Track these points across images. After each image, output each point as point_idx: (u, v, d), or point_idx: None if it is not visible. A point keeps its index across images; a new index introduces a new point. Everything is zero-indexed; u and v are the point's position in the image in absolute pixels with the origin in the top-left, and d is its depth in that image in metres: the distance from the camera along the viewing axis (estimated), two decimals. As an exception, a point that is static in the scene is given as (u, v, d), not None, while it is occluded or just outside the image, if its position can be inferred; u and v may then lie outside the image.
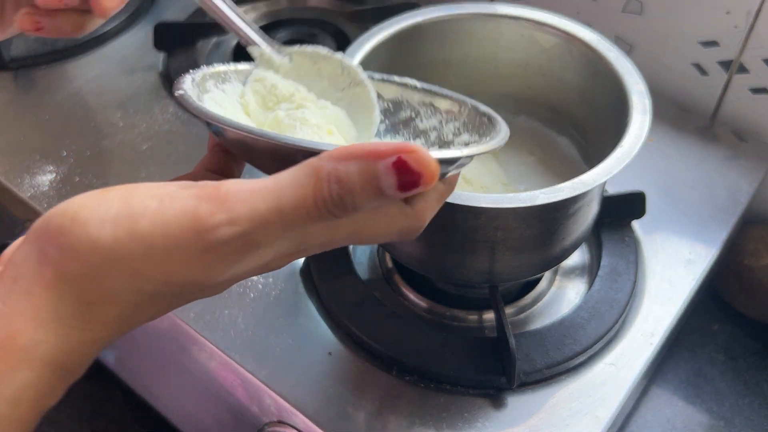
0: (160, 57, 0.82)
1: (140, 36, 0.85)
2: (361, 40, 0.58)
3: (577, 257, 0.65)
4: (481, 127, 0.42)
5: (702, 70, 0.75)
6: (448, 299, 0.61)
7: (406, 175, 0.26)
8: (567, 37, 0.59)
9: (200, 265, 0.27)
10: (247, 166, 0.37)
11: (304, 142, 0.29)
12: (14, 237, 0.73)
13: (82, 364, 0.30)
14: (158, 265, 0.27)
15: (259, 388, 0.55)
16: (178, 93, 0.33)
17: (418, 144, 0.27)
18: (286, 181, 0.27)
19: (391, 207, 0.31)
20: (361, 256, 0.65)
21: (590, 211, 0.55)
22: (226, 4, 0.42)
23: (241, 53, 0.86)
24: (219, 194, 0.27)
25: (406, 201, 0.32)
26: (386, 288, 0.63)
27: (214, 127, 0.32)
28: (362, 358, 0.57)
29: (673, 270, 0.63)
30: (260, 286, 0.61)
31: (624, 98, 0.53)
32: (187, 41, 0.82)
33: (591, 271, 0.64)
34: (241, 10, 0.43)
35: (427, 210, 0.33)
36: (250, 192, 0.27)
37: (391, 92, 0.45)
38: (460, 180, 0.59)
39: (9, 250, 0.30)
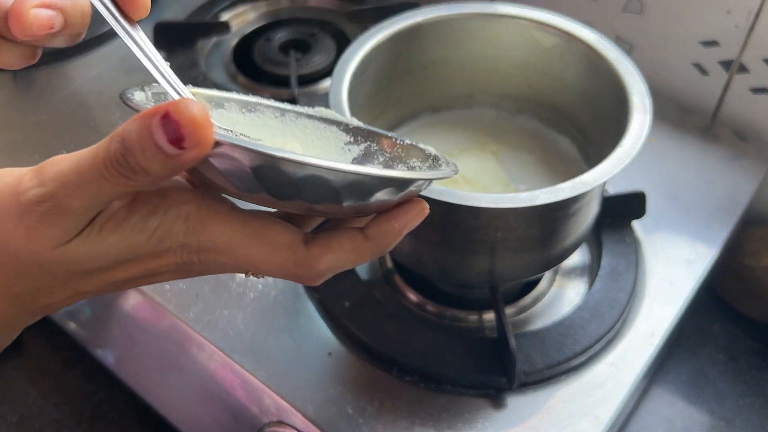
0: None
1: (140, 36, 0.85)
2: (361, 40, 0.58)
3: (578, 257, 0.65)
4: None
5: (702, 70, 0.75)
6: (448, 299, 0.61)
7: (171, 125, 0.27)
8: (567, 37, 0.59)
9: (21, 226, 0.30)
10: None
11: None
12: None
13: None
14: None
15: (259, 388, 0.55)
16: (124, 95, 0.35)
17: (191, 100, 0.27)
18: (90, 147, 0.30)
19: (277, 234, 0.32)
20: (361, 256, 0.65)
21: (590, 211, 0.55)
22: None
23: (241, 53, 0.86)
24: (43, 165, 0.30)
25: (306, 243, 0.32)
26: (386, 288, 0.63)
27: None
28: (362, 358, 0.56)
29: (673, 270, 0.63)
30: (260, 286, 0.61)
31: (624, 98, 0.53)
32: (187, 41, 0.82)
33: (591, 271, 0.64)
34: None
35: (324, 258, 0.33)
36: (60, 160, 0.30)
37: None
38: (460, 180, 0.59)
39: None
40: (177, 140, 0.27)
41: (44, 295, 0.32)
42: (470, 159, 0.61)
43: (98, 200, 0.30)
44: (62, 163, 0.29)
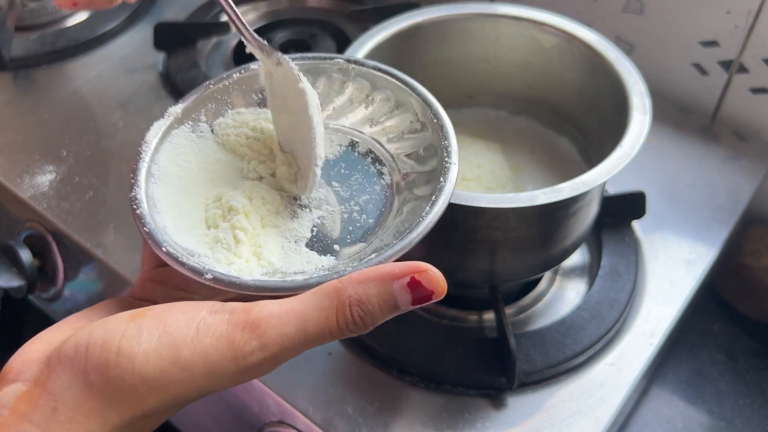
0: (160, 57, 0.82)
1: (140, 36, 0.85)
2: (361, 40, 0.58)
3: (577, 257, 0.65)
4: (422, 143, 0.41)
5: (702, 70, 0.75)
6: (448, 299, 0.61)
7: (420, 292, 0.30)
8: (567, 37, 0.59)
9: (233, 383, 0.30)
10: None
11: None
12: (14, 237, 0.73)
13: None
14: (198, 388, 0.30)
15: (260, 388, 0.55)
16: (144, 231, 0.35)
17: (427, 264, 0.31)
18: (311, 303, 0.30)
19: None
20: (361, 256, 0.65)
21: (590, 211, 0.55)
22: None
23: (241, 53, 0.86)
24: (250, 320, 0.30)
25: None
26: (386, 288, 0.63)
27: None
28: (362, 358, 0.56)
29: (673, 270, 0.63)
30: (260, 286, 0.61)
31: (624, 98, 0.53)
32: (187, 41, 0.82)
33: (591, 271, 0.64)
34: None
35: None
36: (279, 317, 0.30)
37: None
38: (461, 180, 0.59)
39: (16, 364, 0.31)
40: (422, 300, 0.31)
41: None
42: (470, 159, 0.61)
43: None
44: (284, 324, 0.30)
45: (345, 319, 0.30)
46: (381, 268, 0.30)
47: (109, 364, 0.29)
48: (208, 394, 0.31)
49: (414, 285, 0.30)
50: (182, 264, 0.34)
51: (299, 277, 0.34)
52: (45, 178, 0.69)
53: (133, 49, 0.84)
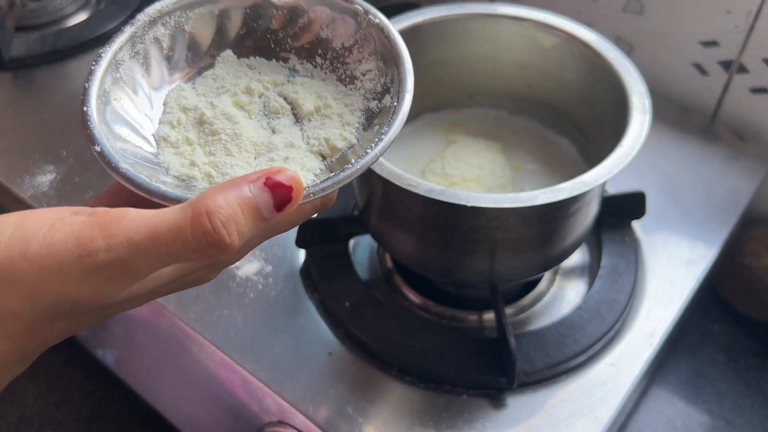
0: (160, 57, 0.82)
1: (140, 36, 0.85)
2: (361, 40, 0.57)
3: (577, 257, 0.65)
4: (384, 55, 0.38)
5: (702, 70, 0.75)
6: (448, 299, 0.61)
7: (279, 190, 0.29)
8: (567, 38, 0.59)
9: (85, 286, 0.29)
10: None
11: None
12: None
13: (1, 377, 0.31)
14: (48, 285, 0.29)
15: (259, 388, 0.55)
16: (95, 150, 0.34)
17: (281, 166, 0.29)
18: (167, 213, 0.29)
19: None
20: (361, 256, 0.65)
21: (590, 211, 0.55)
22: None
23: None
24: (103, 221, 0.29)
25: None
26: (386, 288, 0.63)
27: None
28: (362, 358, 0.57)
29: (673, 270, 0.63)
30: (260, 286, 0.61)
31: (624, 98, 0.53)
32: (187, 41, 0.82)
33: (591, 271, 0.64)
34: None
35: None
36: (130, 221, 0.29)
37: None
38: (460, 180, 0.59)
39: None
40: (283, 201, 0.29)
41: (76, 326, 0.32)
42: (470, 159, 0.61)
43: (167, 264, 0.30)
44: (132, 226, 0.29)
45: (201, 229, 0.28)
46: (237, 177, 0.30)
47: None
48: (70, 300, 0.29)
49: (271, 184, 0.29)
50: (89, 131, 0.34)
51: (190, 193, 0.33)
52: (45, 178, 0.69)
53: (133, 49, 0.84)
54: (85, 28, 0.85)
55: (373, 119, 0.37)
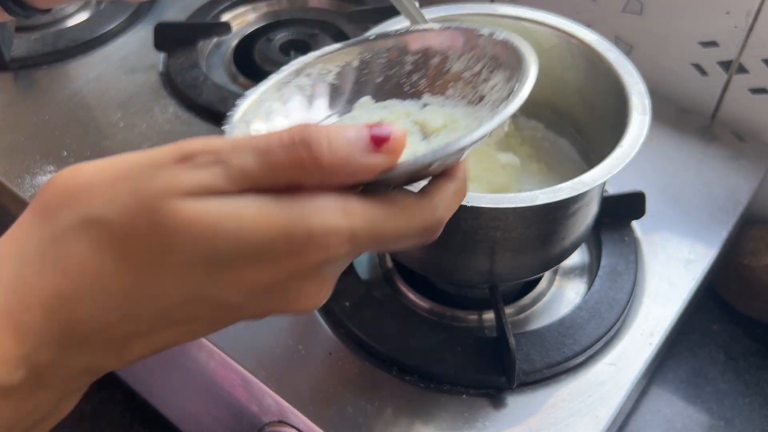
0: (160, 57, 0.82)
1: (140, 36, 0.86)
2: (361, 41, 0.58)
3: (577, 257, 0.65)
4: (504, 61, 0.39)
5: (702, 71, 0.75)
6: (448, 299, 0.61)
7: (381, 129, 0.29)
8: (567, 38, 0.59)
9: (170, 175, 0.28)
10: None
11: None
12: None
13: None
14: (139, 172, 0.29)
15: (259, 388, 0.55)
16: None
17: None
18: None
19: (406, 198, 0.32)
20: (361, 256, 0.65)
21: (590, 211, 0.55)
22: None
23: (242, 53, 0.86)
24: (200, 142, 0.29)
25: (423, 192, 0.33)
26: (386, 288, 0.63)
27: None
28: (362, 358, 0.57)
29: (673, 270, 0.63)
30: (260, 286, 0.61)
31: (624, 98, 0.53)
32: (187, 41, 0.82)
33: (591, 271, 0.64)
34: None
35: (444, 201, 0.34)
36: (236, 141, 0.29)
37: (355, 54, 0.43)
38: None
39: None
40: (379, 141, 0.29)
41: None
42: (470, 159, 0.61)
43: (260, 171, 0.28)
44: (240, 144, 0.29)
45: (287, 135, 0.28)
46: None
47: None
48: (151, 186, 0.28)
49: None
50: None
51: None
52: (45, 179, 0.69)
53: (134, 49, 0.84)
54: (86, 29, 0.85)
55: None
